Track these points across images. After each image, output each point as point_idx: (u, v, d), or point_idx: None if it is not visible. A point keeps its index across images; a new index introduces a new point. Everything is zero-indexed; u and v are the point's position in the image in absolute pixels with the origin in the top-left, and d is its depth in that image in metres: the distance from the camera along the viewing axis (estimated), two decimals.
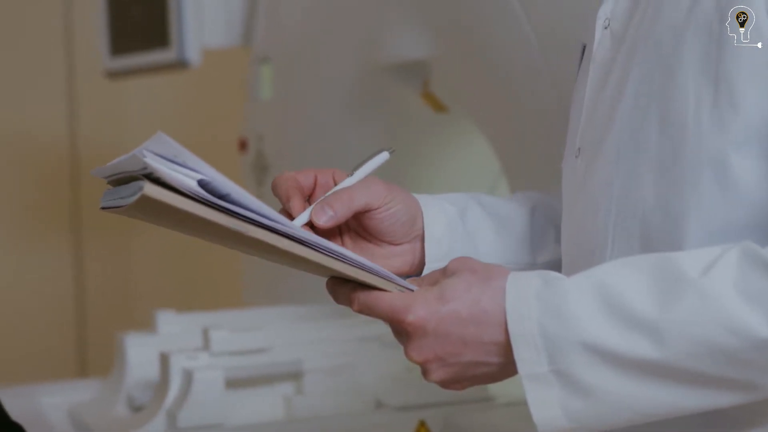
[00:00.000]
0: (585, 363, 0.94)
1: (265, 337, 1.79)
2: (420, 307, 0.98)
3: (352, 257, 1.01)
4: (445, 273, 1.02)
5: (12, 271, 3.37)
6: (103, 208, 0.98)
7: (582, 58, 1.17)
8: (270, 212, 0.97)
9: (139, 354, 1.85)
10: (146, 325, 1.95)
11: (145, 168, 0.91)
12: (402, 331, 1.00)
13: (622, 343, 0.94)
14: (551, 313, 0.95)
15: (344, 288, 1.03)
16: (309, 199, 1.12)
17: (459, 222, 1.18)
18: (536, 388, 0.96)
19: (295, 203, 1.09)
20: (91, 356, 3.42)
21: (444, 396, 1.74)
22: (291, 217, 1.08)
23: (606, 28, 1.10)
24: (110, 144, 3.39)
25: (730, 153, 0.97)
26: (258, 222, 0.96)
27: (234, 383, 1.73)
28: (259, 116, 2.42)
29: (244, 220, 0.95)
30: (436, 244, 1.15)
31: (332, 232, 1.11)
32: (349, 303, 1.03)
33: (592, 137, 1.08)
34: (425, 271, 1.14)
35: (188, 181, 0.92)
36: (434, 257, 1.14)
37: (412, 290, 1.01)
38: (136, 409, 1.83)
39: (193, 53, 2.35)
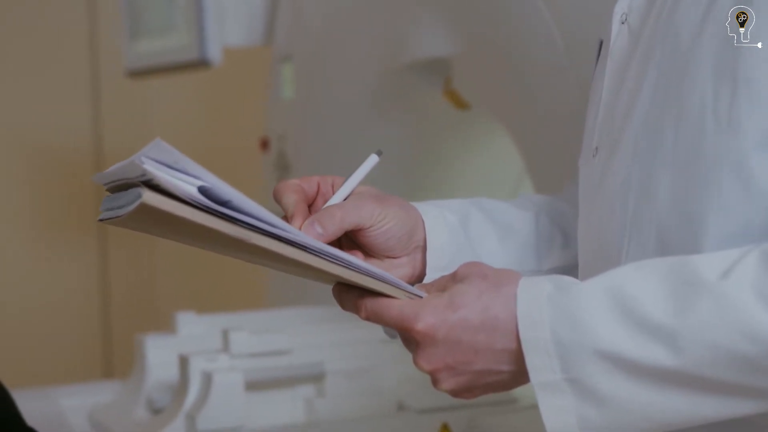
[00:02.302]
0: (599, 371, 0.92)
1: (285, 339, 1.77)
2: (429, 314, 0.96)
3: (358, 263, 0.98)
4: (454, 278, 0.99)
5: (37, 273, 3.37)
6: (101, 220, 0.94)
7: (599, 55, 1.14)
8: (273, 219, 0.94)
9: (159, 356, 1.84)
10: (168, 326, 1.94)
11: (144, 175, 0.88)
12: (411, 339, 0.98)
13: (637, 350, 0.91)
14: (564, 319, 0.93)
15: (350, 294, 1.01)
16: (310, 207, 1.10)
17: (461, 230, 1.15)
18: (549, 396, 0.93)
19: (298, 221, 1.06)
20: (116, 358, 3.42)
21: None
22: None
23: (623, 23, 1.07)
24: (134, 146, 3.38)
25: (749, 152, 0.94)
26: (260, 229, 0.93)
27: (254, 385, 1.71)
28: (280, 115, 2.41)
29: (246, 228, 0.92)
30: (437, 255, 1.12)
31: (332, 244, 1.09)
32: (355, 310, 1.00)
33: (610, 135, 1.06)
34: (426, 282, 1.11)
35: (188, 187, 0.89)
36: (436, 268, 1.12)
37: (421, 296, 0.99)
38: (155, 411, 1.81)
39: (214, 52, 2.34)
